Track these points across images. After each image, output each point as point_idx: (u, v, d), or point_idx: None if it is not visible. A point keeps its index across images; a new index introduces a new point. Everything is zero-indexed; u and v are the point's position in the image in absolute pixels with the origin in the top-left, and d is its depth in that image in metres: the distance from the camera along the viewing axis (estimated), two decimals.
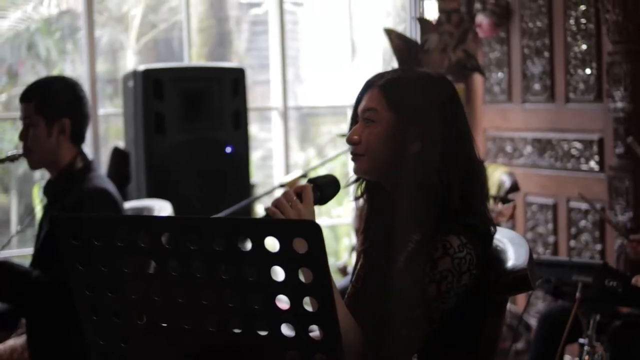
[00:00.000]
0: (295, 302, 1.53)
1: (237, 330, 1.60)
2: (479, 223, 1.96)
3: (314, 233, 1.49)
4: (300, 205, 1.87)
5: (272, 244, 1.51)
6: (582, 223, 4.82)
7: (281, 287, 1.53)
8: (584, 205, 4.80)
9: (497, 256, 2.07)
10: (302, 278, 1.53)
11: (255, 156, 7.11)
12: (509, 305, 5.13)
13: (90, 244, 1.68)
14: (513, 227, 5.32)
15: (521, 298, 5.10)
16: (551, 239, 5.07)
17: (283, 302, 1.54)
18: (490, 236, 2.00)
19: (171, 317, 1.66)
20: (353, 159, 2.02)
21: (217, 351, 1.64)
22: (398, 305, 1.89)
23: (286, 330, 1.55)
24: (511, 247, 2.09)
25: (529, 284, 1.99)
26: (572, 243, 4.88)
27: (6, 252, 4.93)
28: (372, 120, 1.99)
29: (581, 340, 3.08)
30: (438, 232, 1.91)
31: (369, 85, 2.03)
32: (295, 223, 1.55)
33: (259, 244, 1.52)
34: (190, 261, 1.59)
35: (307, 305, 1.54)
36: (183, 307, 1.63)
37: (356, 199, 2.10)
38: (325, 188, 1.98)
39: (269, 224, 1.57)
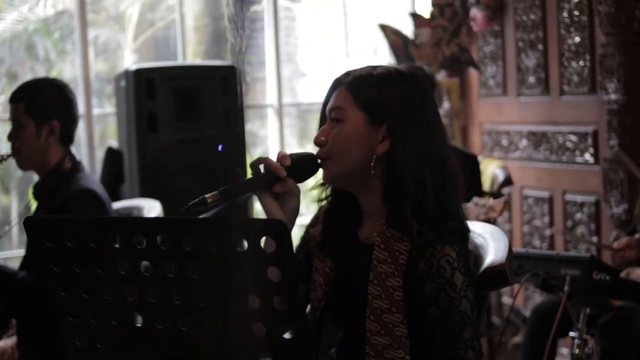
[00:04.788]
0: (265, 301, 1.53)
1: (209, 331, 1.60)
2: (458, 223, 1.91)
3: (282, 232, 1.49)
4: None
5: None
6: (578, 215, 4.81)
7: (251, 287, 1.53)
8: (579, 198, 4.80)
9: (476, 252, 2.08)
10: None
11: (256, 153, 7.09)
12: (506, 299, 5.14)
13: (64, 246, 1.68)
14: (509, 221, 5.32)
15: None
16: (547, 232, 5.06)
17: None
18: (468, 234, 1.96)
19: (145, 318, 1.67)
20: (321, 164, 1.92)
21: (191, 351, 1.65)
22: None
23: (258, 330, 1.56)
24: (491, 242, 2.09)
25: (507, 279, 1.99)
26: (568, 236, 4.87)
27: (7, 253, 4.97)
28: (339, 120, 1.91)
29: (572, 334, 3.07)
30: (428, 242, 1.85)
31: (337, 83, 1.95)
32: (263, 222, 1.55)
33: (225, 244, 1.53)
34: (161, 261, 1.60)
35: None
36: (156, 307, 1.64)
37: (319, 200, 2.03)
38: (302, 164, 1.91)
39: (237, 223, 1.57)
